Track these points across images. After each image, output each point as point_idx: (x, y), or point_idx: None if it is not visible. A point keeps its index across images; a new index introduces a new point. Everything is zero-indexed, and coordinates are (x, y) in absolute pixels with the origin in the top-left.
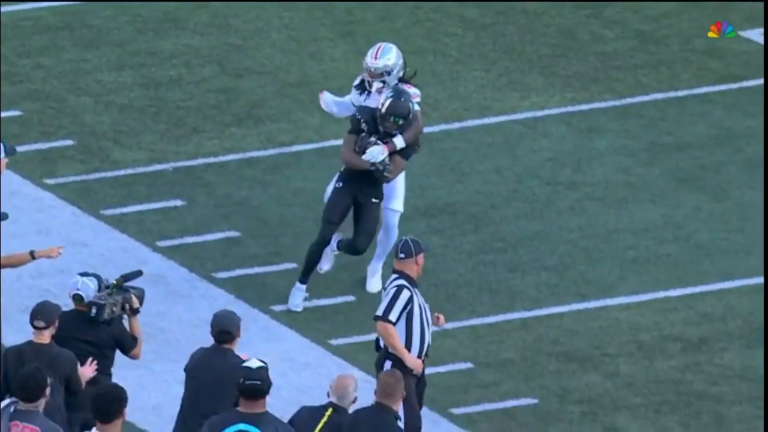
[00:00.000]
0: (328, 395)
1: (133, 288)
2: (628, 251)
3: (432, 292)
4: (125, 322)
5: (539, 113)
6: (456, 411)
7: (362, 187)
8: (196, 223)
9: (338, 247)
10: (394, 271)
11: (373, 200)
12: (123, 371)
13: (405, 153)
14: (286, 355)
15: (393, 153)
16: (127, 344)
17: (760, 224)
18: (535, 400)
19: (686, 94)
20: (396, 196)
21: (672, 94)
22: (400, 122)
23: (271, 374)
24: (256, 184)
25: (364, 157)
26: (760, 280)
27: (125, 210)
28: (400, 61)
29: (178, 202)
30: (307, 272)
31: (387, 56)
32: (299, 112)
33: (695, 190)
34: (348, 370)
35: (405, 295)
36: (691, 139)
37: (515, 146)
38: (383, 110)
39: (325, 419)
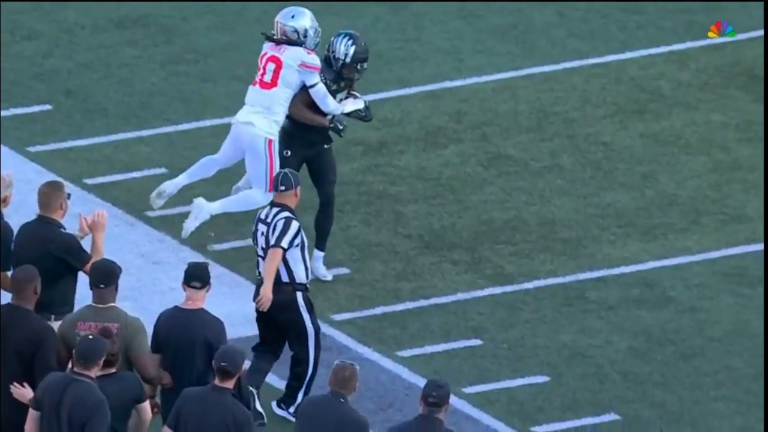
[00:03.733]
0: None
1: None
2: None
3: (126, 101)
4: None
5: None
6: (151, 214)
7: (310, 141)
8: None
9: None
10: (275, 204)
11: (326, 146)
12: None
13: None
14: None
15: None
16: None
17: (434, 33)
18: None
19: None
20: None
21: None
22: (365, 67)
23: None
24: None
25: (345, 110)
26: (435, 86)
27: None
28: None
29: None
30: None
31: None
32: None
33: (375, 1)
34: (45, 176)
35: (294, 225)
36: None
37: None
38: (348, 59)
39: None
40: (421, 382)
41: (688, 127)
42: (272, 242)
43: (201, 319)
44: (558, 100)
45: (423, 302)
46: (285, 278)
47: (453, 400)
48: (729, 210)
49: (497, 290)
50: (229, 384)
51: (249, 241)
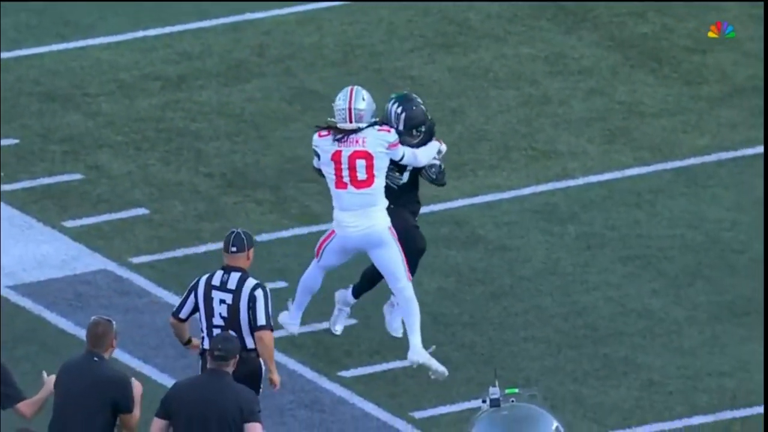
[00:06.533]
0: None
1: None
2: None
3: None
4: None
5: None
6: None
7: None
8: None
9: (355, 295)
10: (230, 268)
11: (391, 206)
12: None
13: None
14: None
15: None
16: None
17: None
18: (17, 140)
19: None
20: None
21: None
22: (422, 130)
23: None
24: None
25: (431, 160)
26: (237, 18)
27: None
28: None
29: None
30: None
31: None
32: None
33: None
34: None
35: (267, 291)
36: None
37: None
38: (401, 126)
39: None
40: None
41: (497, 61)
42: (260, 322)
43: None
44: (364, 33)
45: None
46: (250, 344)
47: None
48: (539, 145)
49: (303, 230)
50: None
51: (41, 181)
